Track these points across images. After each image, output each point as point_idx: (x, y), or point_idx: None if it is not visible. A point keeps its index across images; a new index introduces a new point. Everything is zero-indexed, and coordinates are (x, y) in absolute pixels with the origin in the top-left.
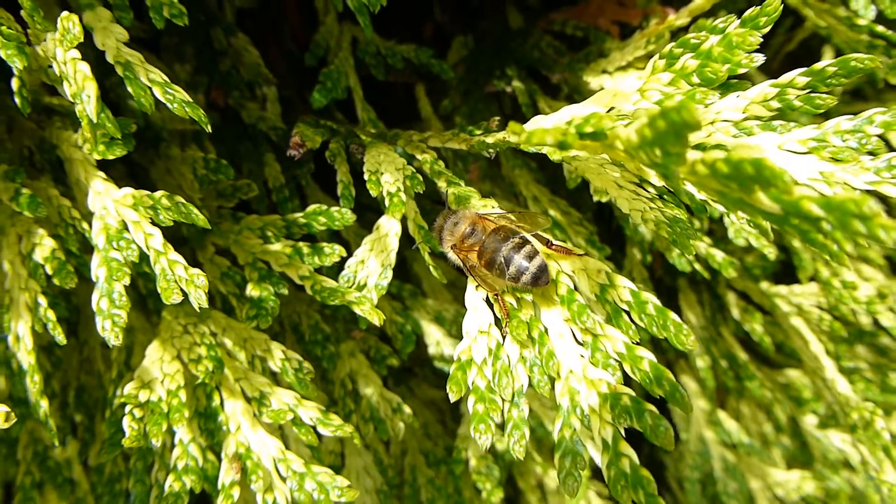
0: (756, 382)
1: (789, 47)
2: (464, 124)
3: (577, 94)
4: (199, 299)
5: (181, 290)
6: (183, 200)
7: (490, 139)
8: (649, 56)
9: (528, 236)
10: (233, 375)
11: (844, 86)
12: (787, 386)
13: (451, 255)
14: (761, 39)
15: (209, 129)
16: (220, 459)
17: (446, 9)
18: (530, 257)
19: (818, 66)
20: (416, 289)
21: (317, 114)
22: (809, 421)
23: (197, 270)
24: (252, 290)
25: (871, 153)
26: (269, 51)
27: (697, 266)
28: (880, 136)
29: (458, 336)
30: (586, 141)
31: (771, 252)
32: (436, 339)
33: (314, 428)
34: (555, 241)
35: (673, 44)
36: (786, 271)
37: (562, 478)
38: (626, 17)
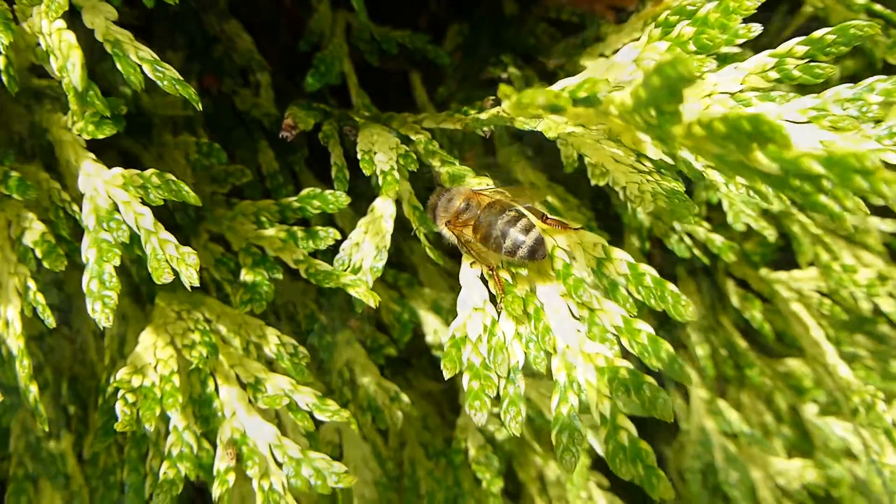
0: (756, 370)
1: (787, 32)
2: (459, 107)
3: None
4: (190, 278)
5: (172, 269)
6: (173, 178)
7: (484, 115)
8: None
9: (524, 210)
10: (228, 362)
11: (842, 55)
12: (788, 375)
13: (446, 232)
14: (759, 2)
15: (200, 106)
16: (215, 447)
17: None
18: (526, 230)
19: (817, 34)
20: (413, 278)
21: (311, 98)
22: (810, 409)
23: (188, 249)
24: (246, 276)
25: (872, 121)
26: (262, 37)
27: (697, 252)
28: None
29: None
30: (580, 108)
31: (771, 234)
32: (433, 327)
33: (311, 414)
34: (550, 216)
35: (668, 11)
36: (785, 259)
37: (559, 454)
38: (622, 1)
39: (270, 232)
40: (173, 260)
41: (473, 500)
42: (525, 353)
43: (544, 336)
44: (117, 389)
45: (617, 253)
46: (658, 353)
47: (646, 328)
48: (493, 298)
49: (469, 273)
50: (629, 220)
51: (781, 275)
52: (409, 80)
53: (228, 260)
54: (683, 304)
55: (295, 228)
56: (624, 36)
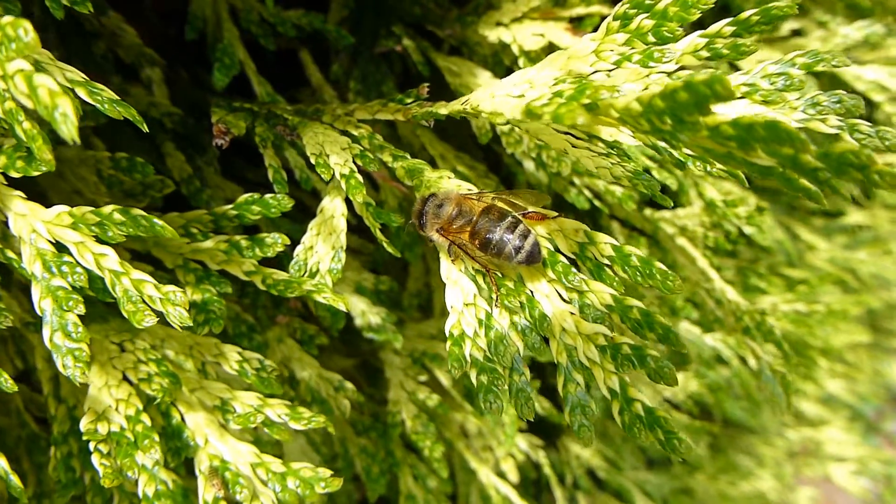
0: None
1: None
2: (392, 94)
3: (473, 47)
4: (181, 318)
5: (153, 310)
6: (142, 212)
7: (445, 109)
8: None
9: (518, 215)
10: (187, 387)
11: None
12: (663, 299)
13: (437, 238)
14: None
15: (146, 128)
16: (195, 477)
17: None
18: (525, 236)
19: (743, 15)
20: None
21: (214, 93)
22: (683, 326)
23: (172, 287)
24: (193, 295)
25: (796, 92)
26: (140, 27)
27: (597, 203)
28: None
29: (384, 304)
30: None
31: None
32: (360, 309)
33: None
34: (530, 208)
35: (627, 4)
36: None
37: (576, 429)
38: None
39: (208, 244)
40: (154, 301)
41: (408, 468)
42: (523, 342)
43: (541, 323)
44: (88, 440)
45: (600, 237)
46: (651, 326)
47: (637, 304)
48: (481, 293)
49: (452, 271)
50: (526, 177)
51: (665, 213)
52: (295, 57)
53: (160, 279)
54: (671, 279)
55: (237, 238)
56: (521, 4)
